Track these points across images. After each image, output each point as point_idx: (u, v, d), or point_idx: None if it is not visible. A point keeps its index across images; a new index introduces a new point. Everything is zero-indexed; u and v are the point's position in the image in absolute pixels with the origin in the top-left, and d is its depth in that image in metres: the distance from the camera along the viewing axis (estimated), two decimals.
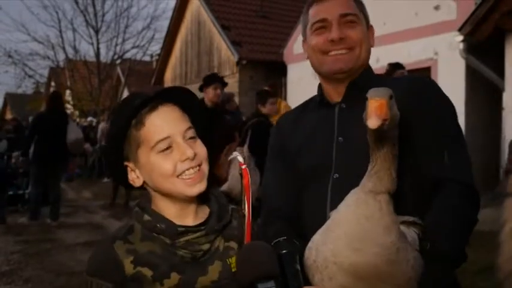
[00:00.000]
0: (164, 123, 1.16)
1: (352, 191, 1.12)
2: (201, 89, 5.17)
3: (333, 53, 1.43)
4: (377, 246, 1.04)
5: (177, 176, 1.15)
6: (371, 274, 1.04)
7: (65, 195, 10.68)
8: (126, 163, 1.21)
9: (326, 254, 1.08)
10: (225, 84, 5.50)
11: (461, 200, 1.29)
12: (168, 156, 1.15)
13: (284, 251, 1.10)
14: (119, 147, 1.19)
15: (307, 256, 1.15)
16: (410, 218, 1.23)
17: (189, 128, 1.19)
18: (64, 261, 5.61)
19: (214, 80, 5.23)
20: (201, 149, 1.19)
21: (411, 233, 1.18)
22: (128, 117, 1.16)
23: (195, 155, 1.16)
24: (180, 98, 1.21)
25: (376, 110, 0.99)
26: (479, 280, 4.01)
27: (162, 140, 1.15)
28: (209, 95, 5.08)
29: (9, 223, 7.74)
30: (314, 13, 1.46)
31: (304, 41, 1.53)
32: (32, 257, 5.82)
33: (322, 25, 1.43)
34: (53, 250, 6.13)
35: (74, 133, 7.45)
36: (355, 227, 1.07)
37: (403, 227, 1.15)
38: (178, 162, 1.15)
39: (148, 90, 1.24)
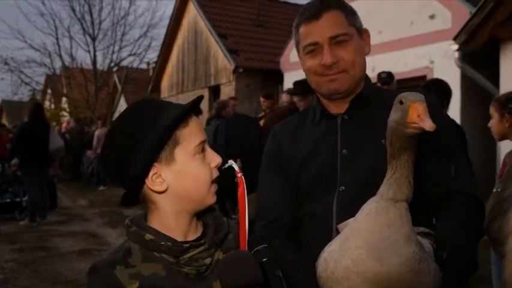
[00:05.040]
0: (201, 128, 1.17)
1: (370, 200, 1.10)
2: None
3: (327, 75, 1.44)
4: (400, 255, 1.02)
5: (212, 182, 1.15)
6: (395, 284, 1.02)
7: (60, 203, 10.62)
8: (155, 163, 1.11)
9: (347, 264, 1.05)
10: None
11: (468, 210, 1.31)
12: (204, 161, 1.15)
13: (265, 259, 1.09)
14: (160, 147, 1.10)
15: (322, 268, 1.12)
16: (426, 230, 1.22)
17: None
18: (59, 270, 5.55)
19: None
20: None
21: (427, 244, 1.17)
22: (178, 117, 1.11)
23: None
24: (198, 109, 1.22)
25: (425, 113, 0.98)
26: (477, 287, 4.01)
27: (202, 141, 1.15)
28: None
29: (4, 231, 7.68)
30: (304, 34, 1.44)
31: (299, 56, 1.52)
32: (27, 266, 5.75)
33: (314, 48, 1.42)
34: (48, 258, 6.07)
35: (55, 142, 8.43)
36: (377, 236, 1.04)
37: (419, 237, 1.13)
38: (212, 169, 1.16)
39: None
